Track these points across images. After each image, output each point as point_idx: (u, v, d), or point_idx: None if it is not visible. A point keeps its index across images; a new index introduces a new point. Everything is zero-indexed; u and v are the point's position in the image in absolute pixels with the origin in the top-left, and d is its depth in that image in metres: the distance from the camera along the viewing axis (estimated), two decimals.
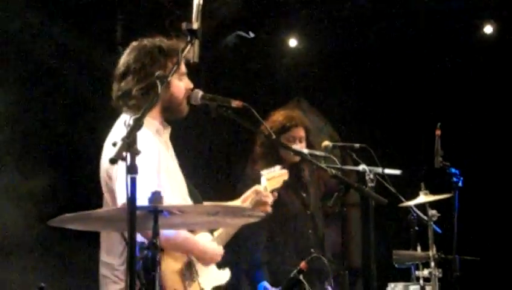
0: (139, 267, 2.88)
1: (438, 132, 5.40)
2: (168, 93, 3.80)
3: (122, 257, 3.66)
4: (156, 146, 3.73)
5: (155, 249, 2.86)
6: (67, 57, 6.06)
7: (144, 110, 2.91)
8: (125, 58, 3.86)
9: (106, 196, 3.75)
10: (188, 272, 3.71)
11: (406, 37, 7.54)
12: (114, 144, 2.75)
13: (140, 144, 3.55)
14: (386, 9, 7.41)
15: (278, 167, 4.46)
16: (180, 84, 3.86)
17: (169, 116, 3.90)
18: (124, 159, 2.71)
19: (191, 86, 3.90)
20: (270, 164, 5.51)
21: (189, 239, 3.72)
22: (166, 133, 3.93)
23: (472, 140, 7.40)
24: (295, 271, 4.55)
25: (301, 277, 4.52)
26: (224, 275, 3.95)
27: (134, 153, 2.72)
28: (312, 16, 7.51)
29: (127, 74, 3.80)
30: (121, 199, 3.49)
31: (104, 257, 3.76)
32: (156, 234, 2.88)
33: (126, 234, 3.50)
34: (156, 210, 2.89)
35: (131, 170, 2.71)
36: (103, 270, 3.75)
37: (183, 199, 3.86)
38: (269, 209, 4.12)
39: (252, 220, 3.33)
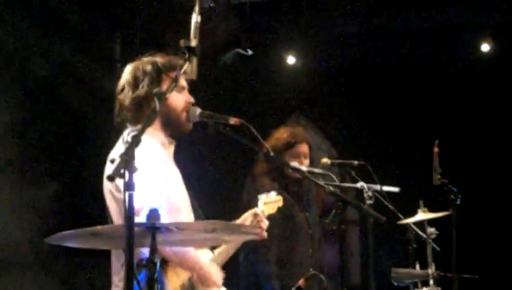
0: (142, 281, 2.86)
1: (436, 149, 5.40)
2: (165, 107, 3.82)
3: (120, 274, 3.66)
4: (161, 155, 3.76)
5: (153, 267, 2.84)
6: (67, 74, 6.09)
7: (142, 127, 2.91)
8: (123, 75, 3.93)
9: (112, 209, 3.73)
10: (190, 288, 3.70)
11: (404, 55, 7.56)
12: (112, 161, 2.74)
13: (146, 151, 3.59)
14: (383, 26, 7.44)
15: (273, 193, 4.46)
16: (179, 97, 3.88)
17: (172, 131, 3.91)
18: (122, 176, 2.70)
19: (192, 100, 3.92)
20: (273, 180, 5.54)
21: (197, 258, 3.72)
22: (171, 148, 3.94)
23: (470, 157, 7.40)
24: (293, 288, 4.54)
25: None
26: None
27: (132, 170, 2.71)
28: (310, 33, 7.54)
29: (123, 89, 3.87)
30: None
31: (112, 274, 3.78)
32: (153, 251, 2.86)
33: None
34: (153, 227, 2.88)
35: (129, 187, 2.70)
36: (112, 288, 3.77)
37: (187, 213, 3.86)
38: (264, 234, 4.11)
39: (249, 237, 3.33)
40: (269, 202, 4.37)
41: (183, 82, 3.92)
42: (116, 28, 6.73)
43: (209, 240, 3.38)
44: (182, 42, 3.18)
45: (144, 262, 2.94)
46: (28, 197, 5.65)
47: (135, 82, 3.84)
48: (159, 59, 3.91)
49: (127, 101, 3.83)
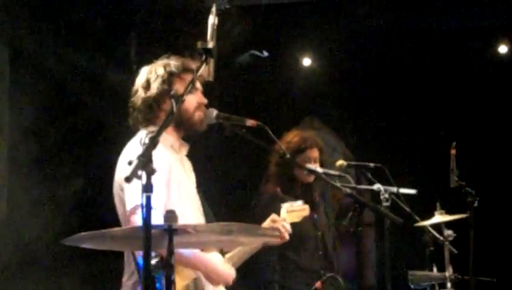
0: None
1: (453, 151, 5.38)
2: (178, 108, 3.83)
3: (128, 274, 3.71)
4: (166, 159, 3.74)
5: (170, 269, 2.84)
6: (83, 76, 6.13)
7: (159, 129, 2.91)
8: (137, 78, 3.96)
9: (121, 211, 3.75)
10: (195, 288, 3.70)
11: (421, 56, 7.53)
12: (130, 163, 2.74)
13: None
14: (400, 28, 7.42)
15: (300, 202, 4.44)
16: (192, 98, 3.87)
17: (185, 132, 3.92)
18: (140, 177, 2.70)
19: (205, 101, 3.92)
20: (283, 183, 5.54)
21: (202, 256, 3.72)
22: (184, 150, 3.94)
23: (488, 159, 7.36)
24: None
25: None
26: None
27: (150, 171, 2.71)
28: (326, 34, 7.52)
29: (137, 92, 3.91)
30: (129, 205, 3.57)
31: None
32: (171, 253, 2.86)
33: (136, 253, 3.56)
34: (170, 229, 2.87)
35: (147, 188, 2.69)
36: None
37: (196, 217, 3.86)
38: (286, 236, 4.10)
39: (266, 239, 3.32)
40: (293, 210, 4.36)
41: (196, 83, 3.90)
42: (132, 30, 6.74)
43: (225, 242, 3.37)
44: (199, 44, 3.17)
45: (161, 264, 2.94)
46: (48, 196, 5.69)
47: (147, 84, 3.87)
48: (172, 62, 3.93)
49: (138, 103, 3.87)
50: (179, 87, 3.82)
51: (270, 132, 3.81)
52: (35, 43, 5.88)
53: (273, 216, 4.17)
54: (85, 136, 6.13)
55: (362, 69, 7.74)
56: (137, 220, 3.51)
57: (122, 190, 3.68)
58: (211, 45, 3.18)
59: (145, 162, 2.71)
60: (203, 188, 4.05)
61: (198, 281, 3.73)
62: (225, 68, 7.14)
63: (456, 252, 5.28)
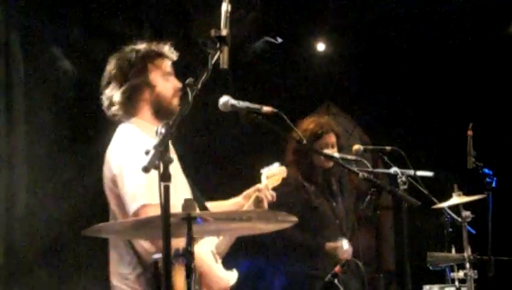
0: None
1: (470, 133, 5.37)
2: (154, 95, 3.86)
3: (131, 266, 3.66)
4: (144, 142, 3.65)
5: (190, 256, 2.87)
6: (97, 67, 6.18)
7: (175, 118, 2.92)
8: (107, 68, 3.93)
9: (113, 204, 3.74)
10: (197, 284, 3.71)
11: (436, 38, 7.50)
12: (147, 153, 2.75)
13: (127, 141, 3.68)
14: (413, 11, 7.38)
15: (276, 164, 4.42)
16: (167, 85, 3.90)
17: (165, 119, 3.80)
18: (157, 167, 2.72)
19: (179, 85, 3.91)
20: (303, 170, 5.55)
21: (204, 257, 3.71)
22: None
23: (505, 140, 7.34)
24: (330, 275, 4.54)
25: (336, 281, 4.50)
26: (232, 276, 3.90)
27: (167, 161, 2.72)
28: (340, 19, 7.51)
29: (109, 82, 3.88)
30: (132, 205, 3.54)
31: (114, 267, 3.75)
32: (190, 241, 2.88)
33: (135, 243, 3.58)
34: (189, 217, 2.89)
35: (165, 178, 2.71)
36: (114, 281, 3.73)
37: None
38: (265, 205, 4.08)
39: (285, 225, 3.33)
40: (272, 175, 4.34)
41: (168, 68, 3.93)
42: (146, 21, 6.75)
43: (244, 229, 3.39)
44: (213, 32, 3.17)
45: (181, 252, 2.96)
46: (68, 187, 5.74)
47: (121, 74, 3.85)
48: (142, 47, 3.92)
49: (116, 96, 3.83)
50: (154, 76, 3.85)
51: (287, 119, 3.81)
52: (49, 32, 5.93)
53: (258, 186, 4.15)
54: (104, 126, 6.16)
55: (377, 53, 7.72)
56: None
57: (116, 185, 3.67)
58: (224, 32, 3.18)
59: (162, 151, 2.72)
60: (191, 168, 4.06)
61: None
62: (239, 55, 7.15)
63: (474, 232, 5.28)
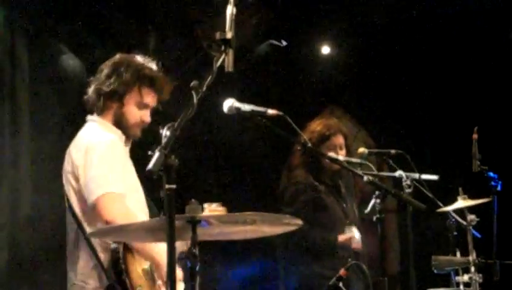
0: None
1: (475, 136, 5.36)
2: (121, 111, 3.96)
3: (83, 261, 3.76)
4: (122, 149, 3.89)
5: (194, 259, 2.86)
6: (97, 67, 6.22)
7: (180, 120, 2.90)
8: (108, 62, 4.05)
9: (73, 200, 3.81)
10: (151, 273, 3.77)
11: (440, 41, 7.48)
12: (150, 155, 2.75)
13: (90, 136, 3.80)
14: (419, 14, 7.37)
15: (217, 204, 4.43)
16: (136, 112, 3.98)
17: (122, 132, 3.99)
18: (162, 169, 2.72)
19: (148, 120, 4.00)
20: (313, 172, 5.54)
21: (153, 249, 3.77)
22: (128, 146, 4.04)
23: (510, 143, 7.32)
24: (334, 278, 4.53)
25: (341, 284, 4.49)
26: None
27: (171, 164, 2.72)
28: (344, 23, 7.50)
29: (101, 72, 4.00)
30: (96, 192, 3.63)
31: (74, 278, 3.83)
32: (194, 243, 2.88)
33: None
34: (194, 220, 2.89)
35: (169, 180, 2.71)
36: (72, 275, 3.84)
37: (141, 209, 3.94)
38: None
39: (289, 228, 3.32)
40: (213, 209, 4.33)
41: (149, 100, 4.00)
42: (151, 23, 6.76)
43: (248, 232, 3.38)
44: (218, 34, 3.17)
45: (185, 255, 2.95)
46: None
47: (111, 72, 3.95)
48: (147, 66, 4.01)
49: (105, 89, 3.93)
50: (130, 97, 3.94)
51: (291, 122, 3.81)
52: (54, 31, 5.94)
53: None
54: None
55: (382, 57, 7.71)
56: (108, 205, 3.61)
57: (77, 180, 3.76)
58: (229, 35, 3.17)
59: (166, 154, 2.72)
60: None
61: (152, 265, 3.80)
62: (244, 58, 7.15)
63: (479, 236, 5.27)
